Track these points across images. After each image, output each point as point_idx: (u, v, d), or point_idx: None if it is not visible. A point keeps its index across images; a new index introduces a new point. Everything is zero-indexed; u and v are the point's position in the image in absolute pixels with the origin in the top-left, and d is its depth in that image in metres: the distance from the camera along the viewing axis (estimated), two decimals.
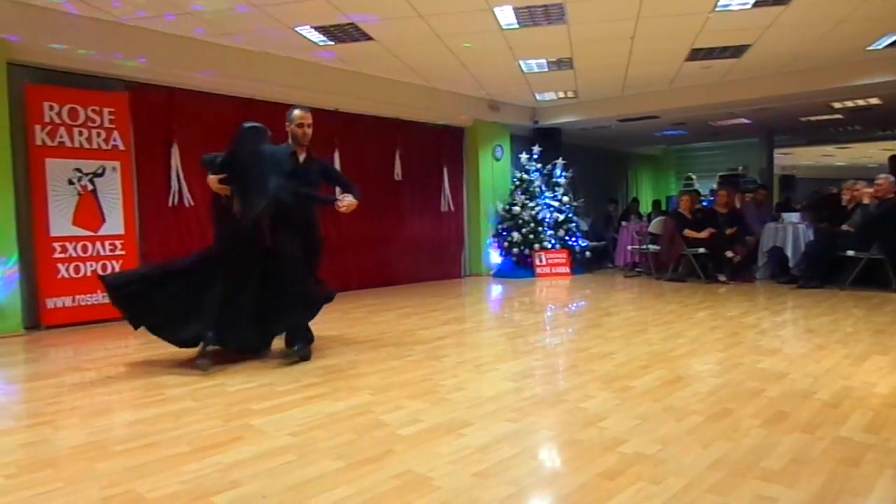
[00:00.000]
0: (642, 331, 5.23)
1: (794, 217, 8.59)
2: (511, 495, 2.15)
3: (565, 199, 10.48)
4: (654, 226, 9.71)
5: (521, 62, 7.81)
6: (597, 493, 2.15)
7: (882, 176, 7.61)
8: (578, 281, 9.42)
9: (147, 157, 6.48)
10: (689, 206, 9.17)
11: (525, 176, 10.33)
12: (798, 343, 4.68)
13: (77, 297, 5.87)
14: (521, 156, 10.46)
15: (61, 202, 5.81)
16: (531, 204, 10.12)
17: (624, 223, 11.23)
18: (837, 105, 10.06)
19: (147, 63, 6.20)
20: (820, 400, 3.16)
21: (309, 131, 4.36)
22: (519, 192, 10.30)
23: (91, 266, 5.97)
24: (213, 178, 4.11)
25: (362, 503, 2.10)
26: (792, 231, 8.25)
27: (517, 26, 6.35)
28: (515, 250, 10.02)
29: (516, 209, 10.15)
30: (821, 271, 7.68)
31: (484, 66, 7.99)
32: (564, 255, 9.98)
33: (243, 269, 4.21)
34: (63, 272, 5.81)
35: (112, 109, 6.08)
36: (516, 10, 5.88)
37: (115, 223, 6.13)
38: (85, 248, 5.95)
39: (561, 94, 9.91)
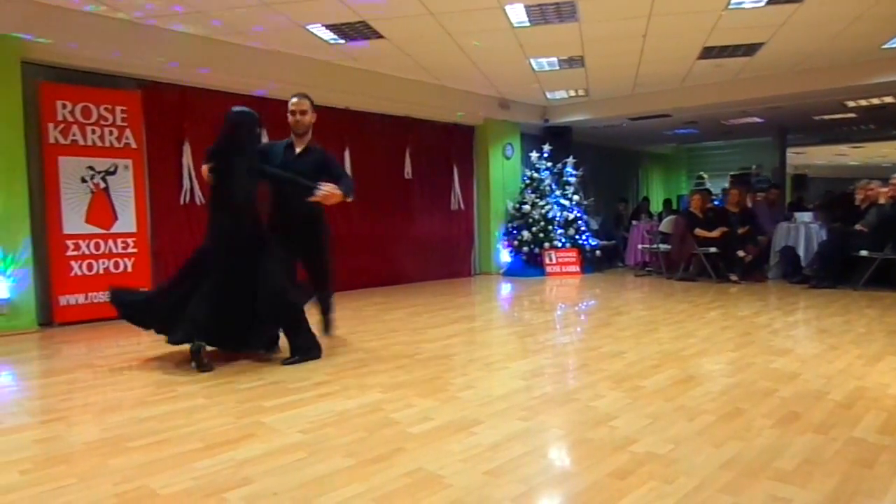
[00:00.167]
0: (653, 330, 5.21)
1: (806, 216, 8.53)
2: (522, 494, 2.15)
3: (575, 197, 10.47)
4: (665, 225, 9.66)
5: (531, 60, 7.79)
6: (608, 492, 2.14)
7: None
8: (588, 280, 9.38)
9: (159, 155, 6.52)
10: (701, 205, 9.11)
11: (535, 174, 10.32)
12: (811, 343, 4.64)
13: (90, 294, 5.91)
14: (531, 154, 10.45)
15: (74, 200, 5.86)
16: (541, 202, 10.10)
17: (634, 222, 11.19)
18: (851, 104, 9.97)
19: (159, 62, 6.24)
20: (833, 400, 3.13)
21: (303, 119, 4.21)
22: (529, 191, 10.29)
23: (103, 263, 6.02)
24: (205, 168, 4.09)
25: (373, 500, 2.11)
26: (804, 231, 8.19)
27: (528, 24, 6.34)
28: (525, 249, 10.01)
29: (526, 208, 10.14)
30: (834, 271, 7.62)
31: (495, 65, 7.98)
32: (574, 254, 9.95)
33: (233, 265, 4.03)
34: (76, 269, 5.86)
35: (124, 108, 6.13)
36: (527, 7, 5.87)
37: (127, 221, 6.18)
38: (97, 246, 6.00)
39: (572, 93, 9.88)
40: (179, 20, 5.95)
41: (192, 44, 6.38)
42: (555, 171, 10.45)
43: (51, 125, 5.70)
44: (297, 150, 4.33)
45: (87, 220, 5.94)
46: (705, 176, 15.01)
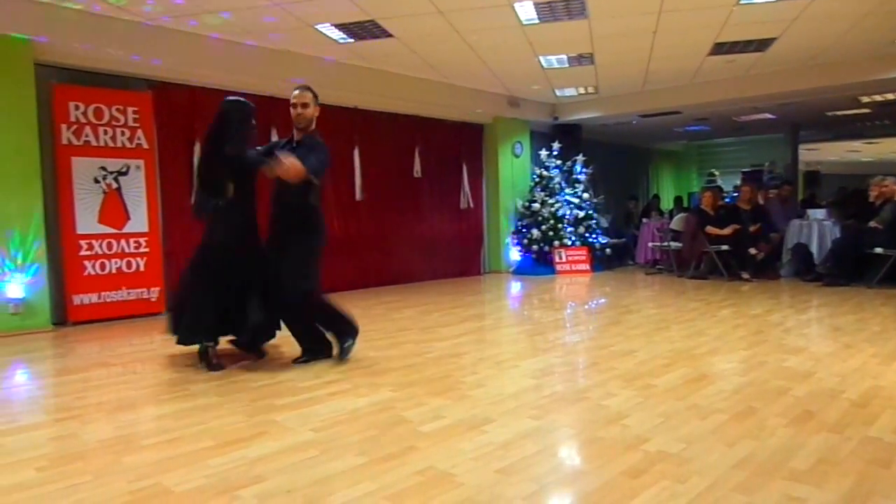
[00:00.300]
0: (664, 328, 5.18)
1: (819, 213, 8.45)
2: (534, 492, 2.14)
3: (585, 195, 10.43)
4: (676, 222, 9.61)
5: (541, 58, 7.76)
6: (620, 491, 2.13)
7: None
8: (598, 278, 9.35)
9: (170, 155, 6.57)
10: (712, 202, 9.05)
11: (545, 172, 10.29)
12: (824, 342, 4.60)
13: (103, 293, 5.97)
14: (540, 152, 10.41)
15: (87, 200, 5.91)
16: (551, 201, 10.07)
17: (645, 220, 11.13)
18: (865, 99, 9.86)
19: (170, 62, 6.27)
20: (848, 399, 3.10)
21: (304, 112, 4.05)
22: (538, 189, 10.26)
23: (116, 263, 6.06)
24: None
25: (385, 498, 2.11)
26: (817, 228, 8.12)
27: (537, 21, 6.31)
28: (535, 247, 9.98)
29: (536, 206, 10.12)
30: (847, 269, 7.55)
31: (503, 63, 7.95)
32: (584, 253, 9.91)
33: (230, 260, 3.92)
34: (89, 269, 5.91)
35: (136, 109, 6.17)
36: (536, 4, 5.85)
37: (139, 221, 6.23)
38: (110, 246, 6.05)
39: (581, 90, 9.83)
40: (189, 21, 5.98)
41: (201, 44, 6.41)
42: (564, 168, 10.41)
43: (64, 126, 5.75)
44: (295, 144, 4.16)
45: (100, 220, 5.99)
46: (717, 173, 14.89)
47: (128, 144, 6.13)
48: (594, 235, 10.26)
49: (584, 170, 10.48)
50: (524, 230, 10.16)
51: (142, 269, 6.21)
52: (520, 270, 10.07)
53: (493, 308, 7.14)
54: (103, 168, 6.00)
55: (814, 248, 8.11)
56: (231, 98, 4.10)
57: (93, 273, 5.93)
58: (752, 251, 8.37)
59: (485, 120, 10.12)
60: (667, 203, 14.05)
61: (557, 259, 9.85)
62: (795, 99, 9.51)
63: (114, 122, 6.03)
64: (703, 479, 2.21)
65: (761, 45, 7.32)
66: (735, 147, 15.94)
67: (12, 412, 3.32)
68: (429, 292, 8.01)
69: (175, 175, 6.59)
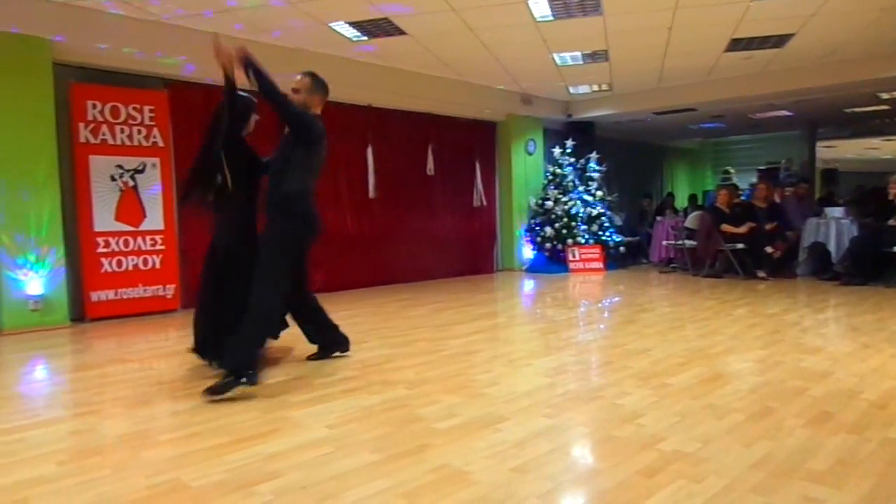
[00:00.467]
0: (679, 327, 5.15)
1: (837, 212, 8.34)
2: (548, 490, 2.14)
3: (599, 193, 10.38)
4: (691, 220, 9.52)
5: (555, 55, 7.73)
6: (636, 490, 2.12)
7: None
8: (612, 276, 9.30)
9: (186, 153, 6.58)
10: (727, 200, 8.95)
11: (558, 170, 10.24)
12: (842, 341, 4.54)
13: (119, 290, 6.04)
14: (554, 150, 10.37)
15: (104, 198, 5.98)
16: (564, 199, 10.03)
17: (659, 218, 11.05)
18: (884, 95, 9.72)
19: (185, 61, 6.32)
20: (867, 400, 3.06)
21: (295, 97, 4.02)
22: (552, 187, 10.22)
23: (133, 260, 6.13)
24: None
25: (400, 496, 2.12)
26: (835, 226, 8.02)
27: (551, 18, 6.29)
28: (548, 245, 9.95)
29: (549, 204, 10.08)
30: (865, 268, 7.45)
31: (517, 60, 7.93)
32: (598, 251, 9.86)
33: (229, 260, 3.75)
34: (106, 266, 5.98)
35: (152, 107, 6.23)
36: (551, 1, 5.82)
37: (155, 218, 6.29)
38: (126, 243, 6.11)
39: (595, 88, 9.78)
40: (205, 20, 6.01)
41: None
42: (578, 166, 10.37)
43: (81, 125, 5.82)
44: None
45: (117, 218, 6.06)
46: (732, 170, 14.74)
47: (144, 143, 6.19)
48: (608, 233, 10.20)
49: (597, 167, 10.43)
50: (537, 228, 10.13)
51: (158, 266, 6.27)
52: (533, 268, 10.04)
53: (506, 306, 7.13)
54: (120, 166, 6.06)
55: (831, 247, 8.01)
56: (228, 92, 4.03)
57: (110, 270, 6.00)
58: (769, 249, 8.28)
59: (498, 118, 10.10)
60: (681, 201, 13.96)
61: (571, 257, 9.82)
62: (813, 96, 9.39)
63: (130, 121, 6.09)
64: (719, 479, 2.19)
65: (779, 41, 7.24)
66: (751, 144, 15.78)
67: (34, 407, 3.37)
68: (442, 290, 8.01)
69: None
